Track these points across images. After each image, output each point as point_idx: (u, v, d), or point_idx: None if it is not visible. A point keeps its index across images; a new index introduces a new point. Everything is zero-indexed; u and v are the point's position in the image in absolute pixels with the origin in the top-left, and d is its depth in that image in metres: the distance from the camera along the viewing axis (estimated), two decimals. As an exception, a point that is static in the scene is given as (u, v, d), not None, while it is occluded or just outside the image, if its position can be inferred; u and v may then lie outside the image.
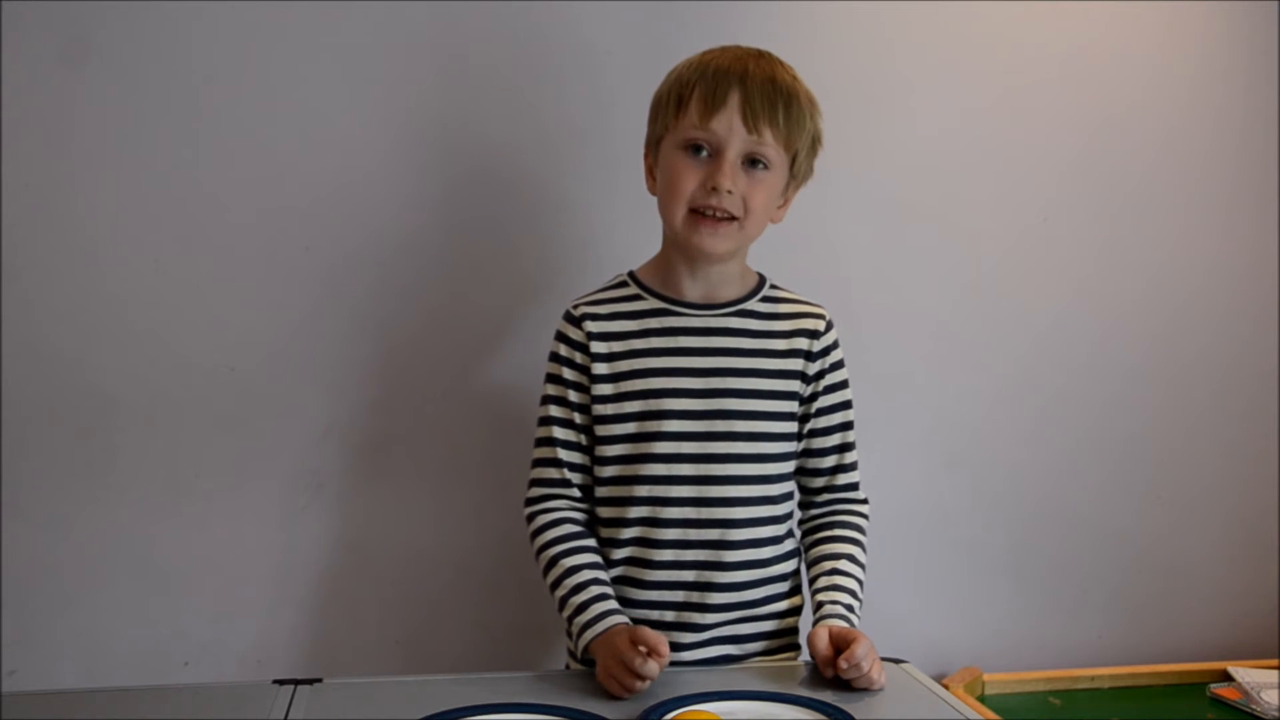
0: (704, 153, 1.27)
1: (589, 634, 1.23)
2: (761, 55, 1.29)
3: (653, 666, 1.15)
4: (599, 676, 1.19)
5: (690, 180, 1.27)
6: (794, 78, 1.30)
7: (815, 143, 1.33)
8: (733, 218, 1.27)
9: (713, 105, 1.25)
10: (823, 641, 1.21)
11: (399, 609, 1.66)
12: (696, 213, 1.27)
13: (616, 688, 1.17)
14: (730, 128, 1.25)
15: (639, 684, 1.16)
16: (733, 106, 1.25)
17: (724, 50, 1.30)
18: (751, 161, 1.27)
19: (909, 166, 1.76)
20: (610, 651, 1.19)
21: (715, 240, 1.28)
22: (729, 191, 1.25)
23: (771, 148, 1.27)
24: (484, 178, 1.63)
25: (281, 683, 1.20)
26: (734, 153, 1.26)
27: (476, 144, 1.63)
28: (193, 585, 1.60)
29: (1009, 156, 1.79)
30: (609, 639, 1.21)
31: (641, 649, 1.15)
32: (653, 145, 1.33)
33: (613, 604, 1.26)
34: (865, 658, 1.18)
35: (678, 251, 1.32)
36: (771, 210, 1.32)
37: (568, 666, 1.40)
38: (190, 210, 1.56)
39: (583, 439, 1.34)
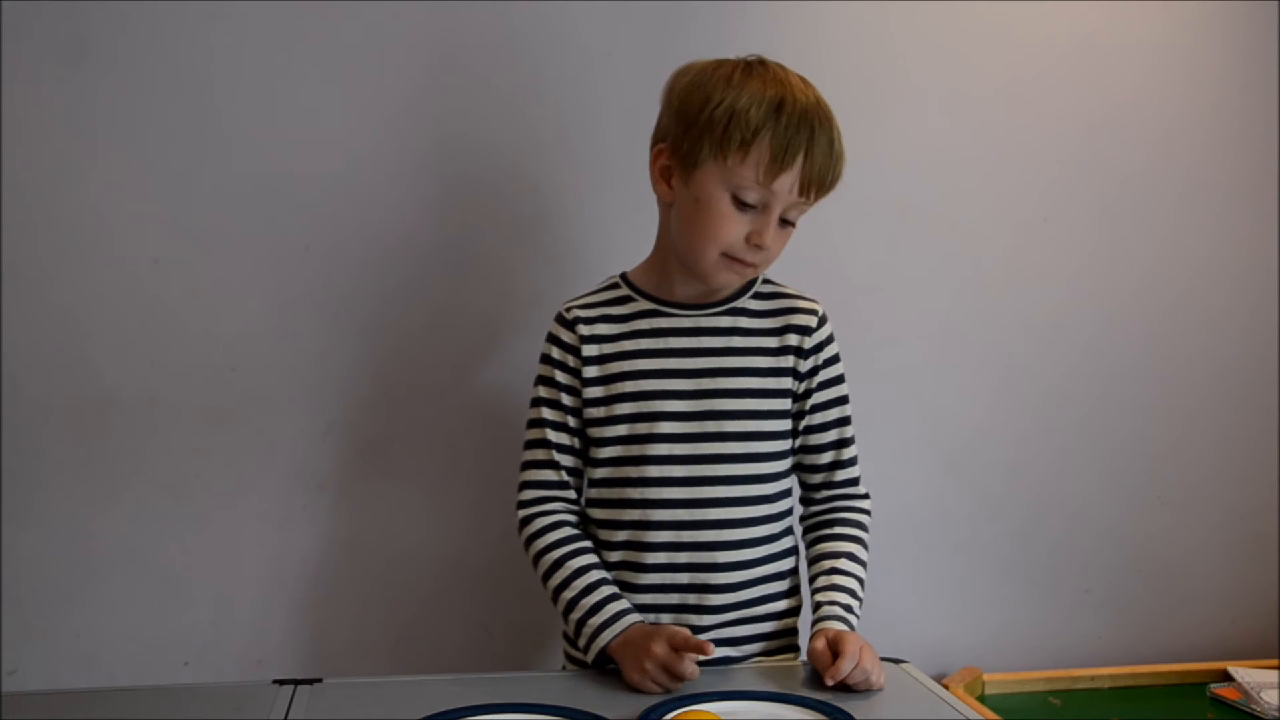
0: (752, 202, 1.24)
1: (607, 634, 1.23)
2: (820, 105, 1.25)
3: (694, 668, 1.17)
4: (631, 676, 1.19)
5: (735, 230, 1.25)
6: (840, 133, 1.27)
7: None
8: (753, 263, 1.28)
9: (781, 165, 1.22)
10: (823, 653, 1.20)
11: (399, 609, 1.66)
12: (727, 257, 1.26)
13: (654, 688, 1.17)
14: (790, 190, 1.23)
15: (678, 684, 1.18)
16: (796, 169, 1.22)
17: (787, 88, 1.24)
18: (787, 216, 1.27)
19: (908, 166, 1.76)
20: (642, 652, 1.19)
21: (735, 279, 1.30)
22: (768, 248, 1.26)
23: (809, 205, 1.27)
24: (483, 178, 1.63)
25: (281, 683, 1.20)
26: (780, 210, 1.25)
27: (476, 145, 1.63)
28: (192, 585, 1.60)
29: (1008, 156, 1.80)
30: (632, 639, 1.21)
31: (687, 655, 1.17)
32: (685, 159, 1.26)
33: (626, 603, 1.26)
34: (858, 667, 1.18)
35: (676, 261, 1.32)
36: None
37: (564, 668, 1.40)
38: (190, 210, 1.56)
39: (576, 442, 1.34)
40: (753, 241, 1.25)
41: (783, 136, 1.22)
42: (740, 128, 1.22)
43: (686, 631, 1.20)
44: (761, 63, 1.28)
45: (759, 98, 1.23)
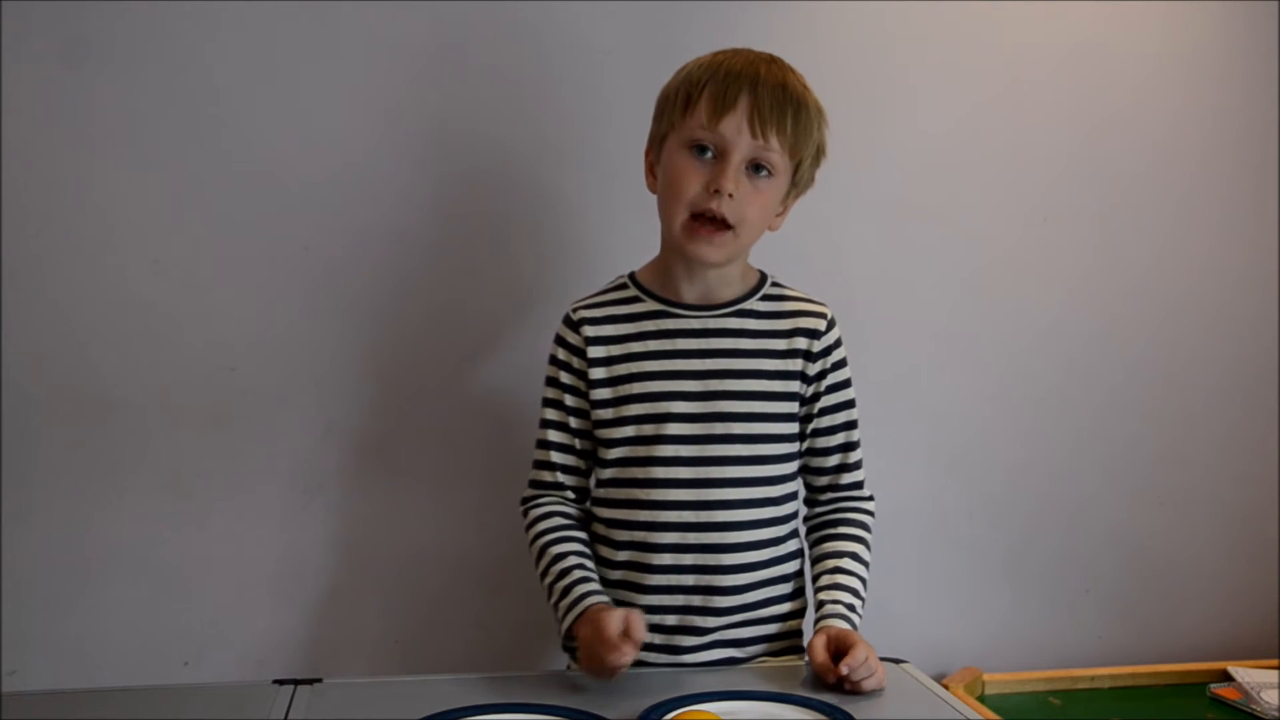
0: (709, 154, 1.26)
1: (570, 616, 1.24)
2: (773, 60, 1.28)
3: (626, 656, 1.15)
4: (582, 665, 1.21)
5: (693, 181, 1.25)
6: (804, 86, 1.29)
7: (819, 153, 1.32)
8: (728, 226, 1.26)
9: (722, 107, 1.24)
10: (820, 649, 1.20)
11: (399, 609, 1.66)
12: (696, 219, 1.26)
13: (596, 677, 1.18)
14: (738, 131, 1.24)
15: (609, 675, 1.17)
16: (742, 110, 1.24)
17: (736, 53, 1.29)
18: (755, 167, 1.26)
19: (909, 166, 1.76)
20: (581, 640, 1.20)
21: (711, 249, 1.27)
22: (730, 195, 1.24)
23: (777, 154, 1.26)
24: (484, 178, 1.63)
25: (281, 683, 1.20)
26: (739, 157, 1.24)
27: (476, 144, 1.63)
28: (193, 585, 1.60)
29: (1009, 156, 1.79)
30: (587, 621, 1.21)
31: (616, 638, 1.15)
32: (656, 143, 1.32)
33: (593, 585, 1.26)
34: (864, 662, 1.18)
35: (675, 254, 1.32)
36: (769, 219, 1.31)
37: (569, 667, 1.40)
38: (190, 210, 1.56)
39: (577, 443, 1.35)
40: (711, 188, 1.25)
41: (723, 81, 1.25)
42: (685, 87, 1.27)
43: (629, 622, 1.16)
44: (732, 48, 1.30)
45: (706, 62, 1.28)
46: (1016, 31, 1.78)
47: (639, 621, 1.17)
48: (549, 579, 1.29)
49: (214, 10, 1.54)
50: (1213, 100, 1.85)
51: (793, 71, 1.29)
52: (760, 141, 1.25)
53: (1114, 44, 1.81)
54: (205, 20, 1.54)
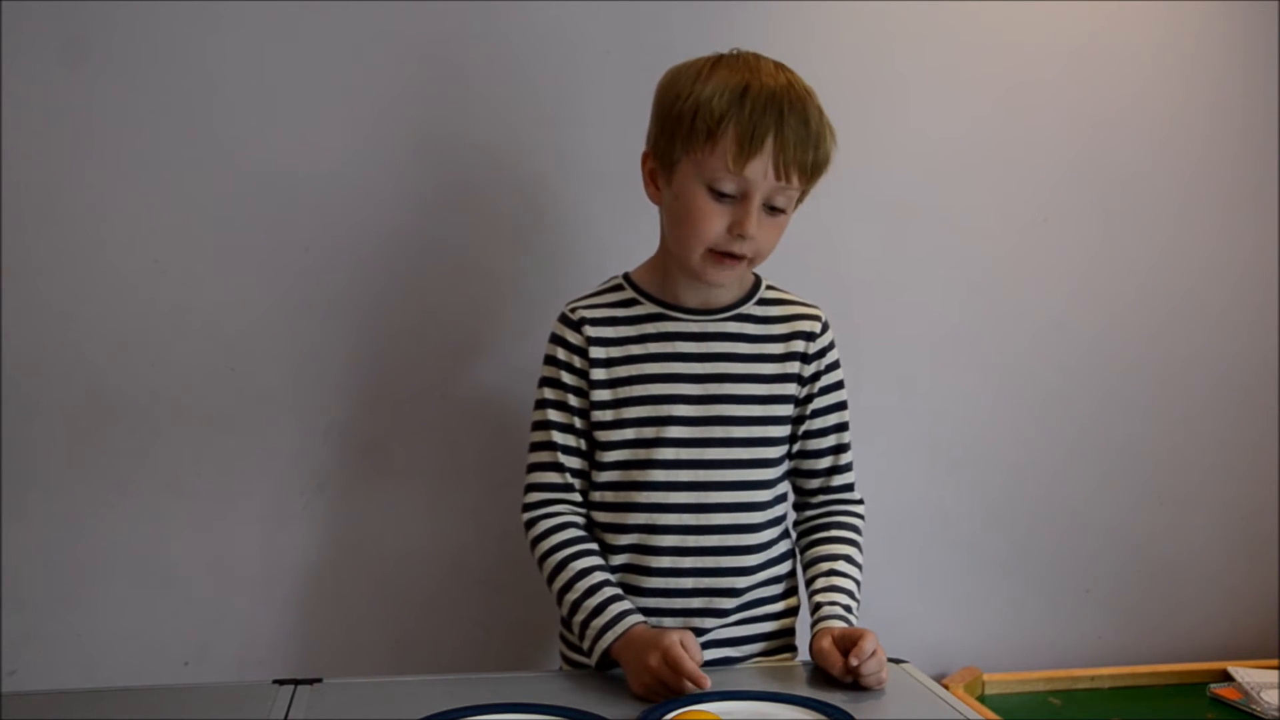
0: (730, 193, 1.23)
1: (609, 636, 1.22)
2: (791, 87, 1.24)
3: (691, 688, 1.14)
4: (633, 686, 1.18)
5: (715, 223, 1.23)
6: (820, 112, 1.25)
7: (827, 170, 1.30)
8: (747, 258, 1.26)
9: (748, 151, 1.20)
10: (830, 648, 1.20)
11: (398, 608, 1.66)
12: (714, 252, 1.25)
13: (657, 699, 1.15)
14: (763, 175, 1.21)
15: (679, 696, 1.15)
16: (767, 153, 1.21)
17: (753, 73, 1.23)
18: (772, 202, 1.25)
19: (909, 167, 1.76)
20: (641, 665, 1.17)
21: (728, 277, 1.28)
22: (752, 237, 1.24)
23: (795, 190, 1.25)
24: (482, 178, 1.63)
25: (281, 683, 1.20)
26: (760, 197, 1.23)
27: (474, 144, 1.63)
28: (193, 585, 1.60)
29: (1009, 157, 1.80)
30: (633, 643, 1.19)
31: (695, 672, 1.14)
32: (663, 159, 1.27)
33: (628, 604, 1.25)
34: (874, 654, 1.18)
35: (678, 266, 1.31)
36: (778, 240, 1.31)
37: (560, 668, 1.40)
38: (190, 210, 1.56)
39: (582, 444, 1.33)
40: (734, 232, 1.23)
41: (748, 122, 1.20)
42: (705, 118, 1.21)
43: (686, 647, 1.16)
44: (735, 54, 1.27)
45: (723, 86, 1.22)
46: (1016, 32, 1.78)
47: (695, 644, 1.17)
48: (574, 595, 1.26)
49: (214, 10, 1.54)
50: (1213, 100, 1.85)
51: (810, 97, 1.25)
52: (782, 183, 1.23)
53: (1114, 44, 1.82)
54: (203, 21, 1.54)
